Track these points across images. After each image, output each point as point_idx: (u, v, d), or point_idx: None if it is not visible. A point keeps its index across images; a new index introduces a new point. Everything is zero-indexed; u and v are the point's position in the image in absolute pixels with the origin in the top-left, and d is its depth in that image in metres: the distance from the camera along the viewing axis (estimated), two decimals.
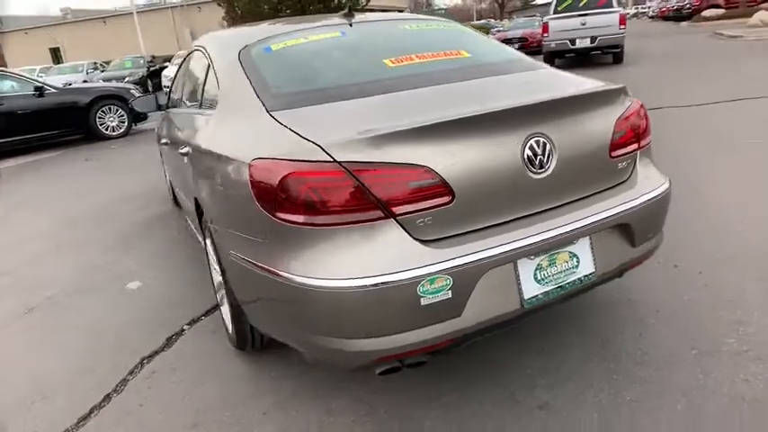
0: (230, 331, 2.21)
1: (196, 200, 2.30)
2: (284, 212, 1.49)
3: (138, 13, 30.51)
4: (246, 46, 2.21)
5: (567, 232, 1.61)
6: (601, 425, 1.67)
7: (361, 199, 1.43)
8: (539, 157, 1.60)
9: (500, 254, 1.51)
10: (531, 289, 1.60)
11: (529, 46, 17.90)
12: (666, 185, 1.90)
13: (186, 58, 3.25)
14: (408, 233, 1.47)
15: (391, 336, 1.47)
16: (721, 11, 23.74)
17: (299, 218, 1.47)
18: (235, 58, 2.16)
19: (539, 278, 1.61)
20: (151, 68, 19.38)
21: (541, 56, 12.09)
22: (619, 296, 2.39)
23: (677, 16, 28.60)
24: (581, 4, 12.61)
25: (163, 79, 15.85)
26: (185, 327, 2.61)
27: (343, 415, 1.85)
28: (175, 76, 3.72)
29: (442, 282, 1.44)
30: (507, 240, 1.53)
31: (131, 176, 6.20)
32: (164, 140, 3.59)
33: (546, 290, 1.62)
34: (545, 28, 12.28)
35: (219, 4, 19.99)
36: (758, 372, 1.82)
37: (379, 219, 1.45)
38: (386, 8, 23.08)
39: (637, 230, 1.79)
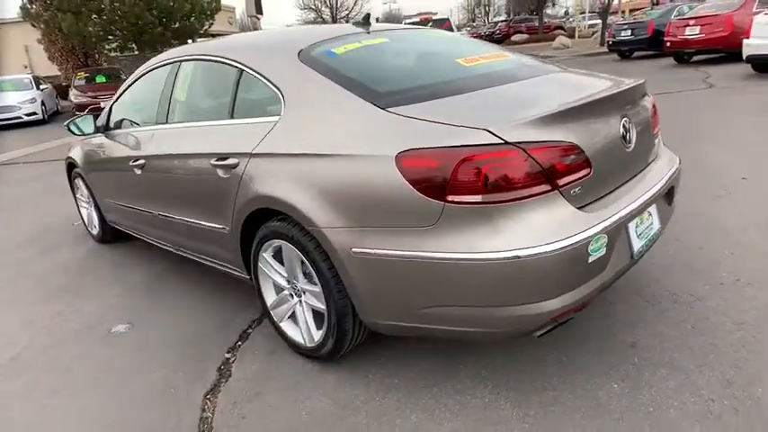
0: (317, 340, 2.12)
1: (248, 216, 2.18)
2: (458, 195, 1.57)
3: None
4: (302, 50, 2.18)
5: (654, 194, 1.96)
6: None
7: (533, 175, 1.59)
8: (627, 134, 1.94)
9: (629, 213, 1.79)
10: (636, 243, 1.90)
11: None
12: (678, 159, 2.39)
13: (159, 74, 2.95)
14: (569, 202, 1.66)
15: (563, 295, 1.63)
16: (526, 36, 28.25)
17: (477, 197, 1.57)
18: (295, 63, 2.12)
19: (638, 234, 1.92)
20: None
21: None
22: None
23: (490, 40, 32.93)
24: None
25: None
26: (227, 355, 2.40)
27: (470, 393, 1.94)
28: (120, 95, 3.35)
29: (603, 240, 1.66)
30: (628, 202, 1.82)
31: (10, 217, 5.23)
32: (113, 165, 3.22)
33: (642, 243, 1.94)
34: None
35: (34, 25, 17.56)
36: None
37: (547, 192, 1.61)
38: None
39: (674, 193, 2.23)
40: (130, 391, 2.21)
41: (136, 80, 3.26)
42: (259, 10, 40.96)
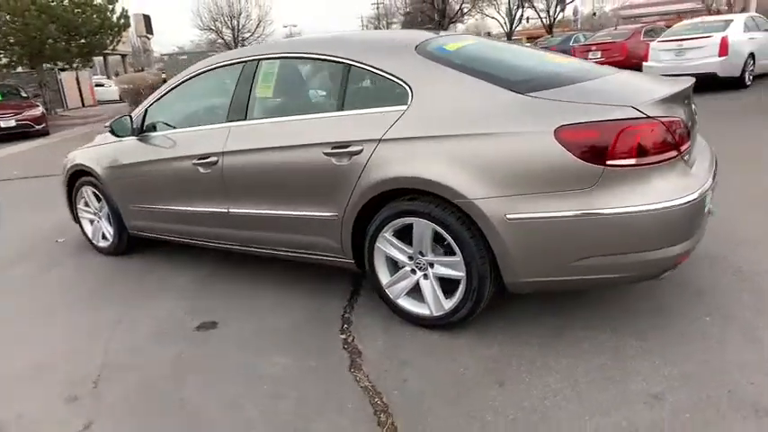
0: (449, 307, 2.31)
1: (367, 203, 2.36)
2: (616, 159, 1.91)
3: None
4: (417, 47, 2.42)
5: (710, 162, 2.41)
6: None
7: (667, 143, 1.97)
8: (694, 116, 2.41)
9: (711, 177, 2.24)
10: (708, 204, 2.36)
11: None
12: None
13: (223, 75, 2.99)
14: (686, 165, 2.06)
15: (684, 242, 2.01)
16: None
17: (632, 161, 1.91)
18: (417, 58, 2.35)
19: (707, 201, 2.38)
20: None
21: None
22: None
23: None
24: None
25: None
26: (342, 336, 2.50)
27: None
28: (157, 99, 3.30)
29: (710, 196, 2.08)
30: (705, 168, 2.26)
31: None
32: (158, 168, 3.17)
33: (709, 207, 2.39)
34: None
35: None
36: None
37: (674, 157, 2.00)
38: None
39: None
40: (285, 380, 2.24)
41: (180, 84, 3.25)
42: (149, 30, 39.21)
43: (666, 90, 2.14)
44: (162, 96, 3.33)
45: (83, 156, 3.81)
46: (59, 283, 3.54)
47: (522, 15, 32.13)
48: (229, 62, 3.03)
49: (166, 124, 3.31)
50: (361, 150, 2.36)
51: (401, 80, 2.33)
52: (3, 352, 2.67)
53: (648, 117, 1.94)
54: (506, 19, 31.91)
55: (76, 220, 4.09)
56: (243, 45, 37.96)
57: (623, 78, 2.47)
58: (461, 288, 2.27)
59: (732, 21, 9.27)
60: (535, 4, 29.84)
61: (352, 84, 2.50)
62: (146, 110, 3.37)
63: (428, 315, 2.41)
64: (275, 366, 2.30)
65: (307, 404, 2.03)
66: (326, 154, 2.46)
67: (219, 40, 38.80)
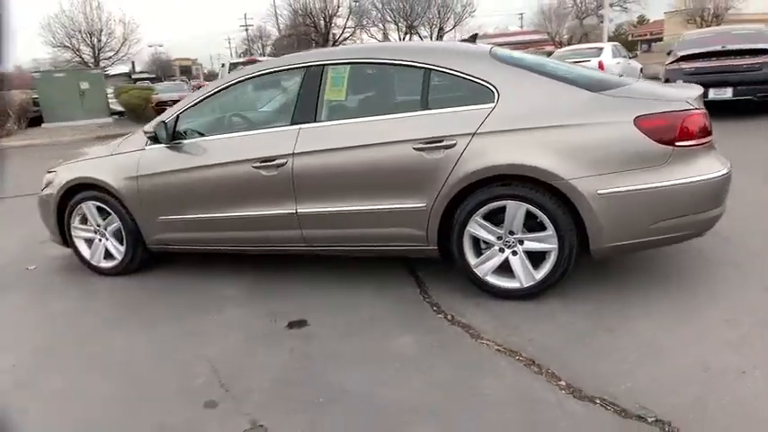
0: (540, 278, 2.66)
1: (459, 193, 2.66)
2: (682, 141, 2.44)
3: None
4: (490, 52, 2.78)
5: None
6: None
7: (707, 129, 2.55)
8: None
9: None
10: None
11: None
12: None
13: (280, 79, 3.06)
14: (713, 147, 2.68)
15: (721, 206, 2.61)
16: None
17: (692, 142, 2.46)
18: (496, 62, 2.72)
19: None
20: None
21: None
22: None
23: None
24: None
25: None
26: (439, 316, 2.72)
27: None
28: (191, 105, 3.23)
29: None
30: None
31: None
32: (202, 175, 3.12)
33: None
34: None
35: None
36: None
37: (710, 140, 2.60)
38: None
39: None
40: (419, 356, 2.40)
41: (218, 91, 3.23)
42: None
43: (696, 91, 2.75)
44: (197, 103, 3.26)
45: (86, 169, 3.52)
46: (75, 311, 3.22)
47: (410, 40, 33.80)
48: (283, 68, 3.12)
49: (198, 132, 3.25)
50: (455, 144, 2.64)
51: (486, 82, 2.67)
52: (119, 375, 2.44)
53: (697, 108, 2.51)
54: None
55: (67, 241, 3.72)
56: (107, 64, 35.14)
57: (649, 83, 3.09)
58: (552, 259, 2.65)
59: (603, 48, 11.05)
60: (419, 32, 31.86)
61: (434, 85, 2.77)
62: (177, 116, 3.27)
63: (518, 287, 2.74)
64: (403, 347, 2.46)
65: (462, 371, 2.24)
66: (417, 149, 2.69)
67: (77, 58, 35.35)
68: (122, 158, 3.42)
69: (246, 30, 66.39)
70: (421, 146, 2.69)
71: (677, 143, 2.45)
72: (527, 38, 39.66)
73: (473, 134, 2.62)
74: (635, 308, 2.61)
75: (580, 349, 2.31)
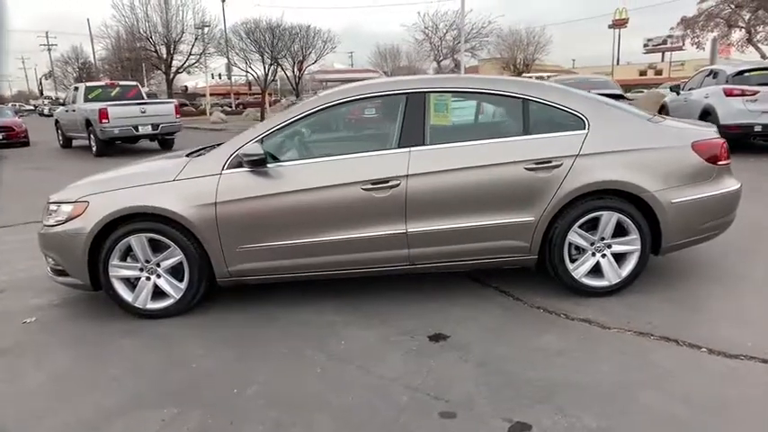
0: (625, 275, 3.20)
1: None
2: (720, 161, 3.24)
3: None
4: (569, 85, 3.30)
5: None
6: None
7: (728, 152, 3.41)
8: None
9: None
10: None
11: (15, 136, 15.54)
12: None
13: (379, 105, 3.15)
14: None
15: (735, 211, 3.47)
16: None
17: (726, 162, 3.28)
18: (578, 94, 3.26)
19: None
20: None
21: None
22: None
23: None
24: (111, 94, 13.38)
25: None
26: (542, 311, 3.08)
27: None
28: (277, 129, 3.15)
29: None
30: None
31: None
32: (305, 198, 3.07)
33: None
34: (103, 114, 11.91)
35: None
36: None
37: (729, 162, 3.46)
38: None
39: None
40: (568, 348, 2.70)
41: (307, 115, 3.21)
42: None
43: (714, 127, 3.63)
44: (281, 127, 3.17)
45: (140, 196, 3.10)
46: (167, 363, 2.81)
47: (274, 72, 31.87)
48: (379, 94, 3.25)
49: (276, 157, 3.16)
50: (561, 164, 3.08)
51: (578, 112, 3.18)
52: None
53: (721, 136, 3.36)
54: (256, 75, 31.21)
55: (102, 283, 3.18)
56: None
57: (676, 119, 3.92)
58: (634, 259, 3.22)
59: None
60: (281, 64, 31.34)
61: (533, 114, 3.19)
62: (261, 140, 3.12)
63: (606, 285, 3.24)
64: (550, 343, 2.76)
65: (629, 356, 2.61)
66: (528, 169, 3.07)
67: None
68: (191, 184, 3.11)
69: (49, 50, 58.36)
70: (533, 166, 3.07)
71: (719, 162, 3.25)
72: (359, 75, 42.06)
73: (576, 156, 3.10)
74: (703, 287, 3.33)
75: (690, 325, 2.89)
